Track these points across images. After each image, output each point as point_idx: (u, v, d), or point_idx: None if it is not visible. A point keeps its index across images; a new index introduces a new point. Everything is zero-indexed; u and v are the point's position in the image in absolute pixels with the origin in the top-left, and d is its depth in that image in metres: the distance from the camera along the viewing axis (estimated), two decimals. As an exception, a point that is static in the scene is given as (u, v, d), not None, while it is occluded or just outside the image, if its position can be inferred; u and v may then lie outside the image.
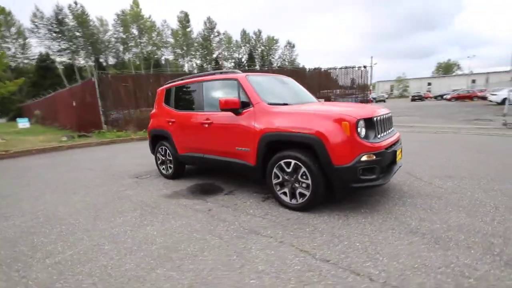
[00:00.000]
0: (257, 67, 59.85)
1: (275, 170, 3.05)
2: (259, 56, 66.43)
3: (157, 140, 4.79)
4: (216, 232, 2.60)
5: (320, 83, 13.92)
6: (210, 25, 58.72)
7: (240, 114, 3.33)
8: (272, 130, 2.99)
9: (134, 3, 48.84)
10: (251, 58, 62.95)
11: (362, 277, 1.82)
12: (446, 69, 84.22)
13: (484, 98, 26.79)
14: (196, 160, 4.11)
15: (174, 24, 58.48)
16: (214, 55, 60.57)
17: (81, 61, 48.20)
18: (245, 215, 2.95)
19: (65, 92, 16.13)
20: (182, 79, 4.54)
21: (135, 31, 49.29)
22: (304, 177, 2.82)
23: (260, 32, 65.59)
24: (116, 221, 2.99)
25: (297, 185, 2.91)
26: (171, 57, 56.46)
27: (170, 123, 4.35)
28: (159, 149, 4.68)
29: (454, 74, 73.53)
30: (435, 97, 41.32)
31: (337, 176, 2.64)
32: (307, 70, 14.07)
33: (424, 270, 1.86)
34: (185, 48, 56.33)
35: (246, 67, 57.63)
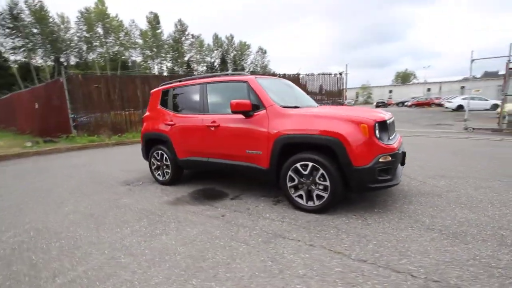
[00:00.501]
0: (230, 70, 59.95)
1: (290, 173, 3.04)
2: (231, 60, 66.46)
3: (151, 144, 4.54)
4: (239, 238, 2.52)
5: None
6: (181, 27, 57.59)
7: (251, 116, 3.28)
8: (288, 133, 2.98)
9: (99, 1, 46.25)
10: (223, 62, 62.78)
11: (403, 275, 1.87)
12: (404, 78, 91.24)
13: (440, 105, 29.51)
14: (199, 165, 3.95)
15: (143, 25, 56.43)
16: (186, 58, 59.40)
17: (38, 60, 44.25)
18: (263, 219, 2.89)
19: (25, 94, 14.67)
20: (180, 81, 4.37)
21: (100, 30, 46.56)
22: (322, 179, 2.85)
23: (232, 36, 65.74)
24: (124, 231, 2.76)
25: (313, 187, 2.93)
26: (139, 59, 54.20)
27: (169, 127, 4.15)
28: (154, 154, 4.43)
29: (411, 82, 79.89)
30: (397, 104, 44.50)
31: (356, 177, 2.71)
32: (279, 76, 14.24)
33: (456, 264, 1.96)
34: (155, 49, 54.47)
35: (219, 71, 57.37)
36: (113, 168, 5.87)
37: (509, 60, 9.95)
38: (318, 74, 14.13)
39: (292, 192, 3.08)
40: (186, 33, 57.86)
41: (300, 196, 3.03)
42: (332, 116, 2.88)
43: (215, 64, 64.14)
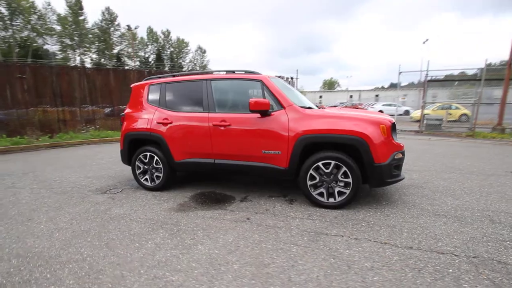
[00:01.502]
0: (166, 68, 56.48)
1: (311, 171, 3.12)
2: (168, 57, 62.97)
3: (136, 145, 4.00)
4: (283, 239, 2.46)
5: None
6: (109, 17, 51.68)
7: (268, 116, 3.23)
8: (312, 132, 3.05)
9: (0, -28, 37.80)
10: (159, 58, 58.99)
11: (448, 255, 2.15)
12: (330, 85, 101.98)
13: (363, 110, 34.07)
14: (202, 167, 3.67)
15: (62, 9, 48.53)
16: (115, 51, 53.61)
17: None
18: (292, 219, 2.89)
19: None
20: (174, 75, 3.99)
21: (3, 10, 38.10)
22: (343, 176, 3.02)
23: (169, 32, 62.32)
24: (146, 246, 2.38)
25: (334, 184, 3.07)
26: (56, 47, 46.39)
27: (163, 126, 3.74)
28: (141, 157, 3.92)
29: (336, 90, 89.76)
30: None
31: (377, 173, 2.96)
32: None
33: (477, 241, 2.35)
34: (76, 38, 47.47)
35: (154, 68, 53.54)
36: (73, 175, 4.93)
37: (427, 74, 12.18)
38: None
39: (312, 190, 3.16)
40: (116, 23, 52.25)
41: (321, 194, 3.13)
42: (353, 117, 3.07)
43: (150, 59, 59.80)
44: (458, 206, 3.17)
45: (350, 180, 2.99)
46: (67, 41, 46.62)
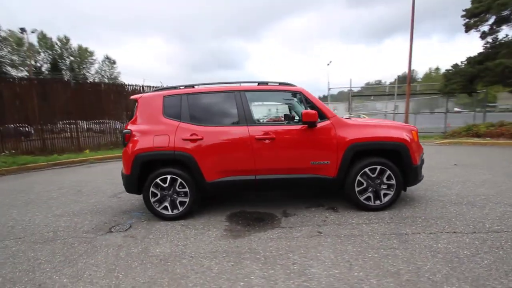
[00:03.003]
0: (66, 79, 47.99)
1: (358, 177, 3.28)
2: (67, 67, 53.90)
3: (150, 168, 3.32)
4: (377, 246, 2.49)
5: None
6: (-20, 14, 40.82)
7: (315, 126, 3.26)
8: (362, 140, 3.24)
9: None
10: (55, 68, 49.83)
11: (502, 232, 2.63)
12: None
13: None
14: (239, 185, 3.33)
15: None
16: (-10, 57, 42.42)
17: None
18: (360, 225, 2.95)
19: None
20: (192, 86, 3.54)
21: None
22: (387, 179, 3.30)
23: (67, 39, 53.66)
24: (255, 282, 2.02)
25: (379, 187, 3.32)
26: None
27: (192, 142, 3.24)
28: (158, 181, 3.27)
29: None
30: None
31: (414, 174, 3.35)
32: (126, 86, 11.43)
33: (491, 220, 2.93)
34: None
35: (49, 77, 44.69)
36: (35, 217, 3.66)
37: (350, 89, 14.42)
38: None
39: (359, 195, 3.31)
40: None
41: (367, 198, 3.32)
42: (391, 125, 3.42)
43: (43, 69, 49.82)
44: (458, 194, 3.88)
45: (393, 182, 3.29)
46: None
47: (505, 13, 11.59)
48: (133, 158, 3.27)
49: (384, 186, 3.32)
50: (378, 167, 3.26)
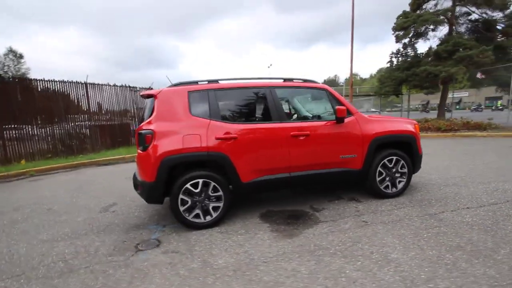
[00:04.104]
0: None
1: (379, 168, 3.57)
2: (-49, 60, 42.54)
3: (177, 172, 2.94)
4: (422, 227, 2.77)
5: (69, 104, 9.74)
6: None
7: (343, 122, 3.41)
8: (383, 134, 3.52)
9: None
10: None
11: (497, 204, 3.23)
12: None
13: None
14: (275, 184, 3.24)
15: None
16: None
17: None
18: (391, 211, 3.20)
19: None
20: (215, 81, 3.27)
21: None
22: (400, 168, 3.68)
23: (-50, 24, 42.40)
24: (351, 276, 2.02)
25: (395, 176, 3.67)
26: None
27: (226, 142, 3.00)
28: (188, 186, 2.92)
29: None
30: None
31: (419, 162, 3.82)
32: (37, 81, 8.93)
33: (483, 196, 3.62)
34: None
35: None
36: (20, 243, 2.83)
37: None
38: (114, 85, 12.54)
39: (380, 185, 3.61)
40: None
41: (386, 187, 3.64)
42: (401, 120, 3.82)
43: None
44: (440, 178, 4.58)
45: (406, 170, 3.69)
46: None
47: (422, 29, 14.11)
48: (159, 162, 2.85)
49: (398, 175, 3.69)
50: (395, 158, 3.61)
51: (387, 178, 3.63)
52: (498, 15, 11.89)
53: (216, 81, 3.29)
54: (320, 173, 3.39)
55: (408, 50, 15.33)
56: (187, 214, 2.97)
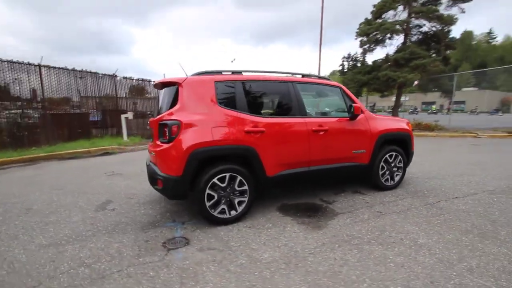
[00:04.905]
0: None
1: (382, 163, 3.88)
2: None
3: (205, 166, 2.80)
4: (433, 213, 3.10)
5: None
6: None
7: (355, 119, 3.61)
8: (388, 131, 3.82)
9: None
10: None
11: (483, 193, 3.78)
12: (138, 91, 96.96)
13: None
14: (295, 178, 3.28)
15: None
16: None
17: None
18: (396, 201, 3.51)
19: None
20: (239, 72, 3.17)
21: None
22: (398, 162, 4.04)
23: None
24: (396, 261, 2.19)
25: (393, 170, 4.02)
26: None
27: (254, 135, 2.94)
28: (215, 181, 2.81)
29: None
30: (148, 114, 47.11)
31: (411, 158, 4.24)
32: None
33: (463, 187, 4.20)
34: None
35: None
36: (17, 248, 2.38)
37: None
38: (137, 79, 12.21)
39: (382, 178, 3.92)
40: None
41: (386, 180, 3.97)
42: (398, 119, 4.17)
43: None
44: (420, 172, 5.13)
45: (402, 165, 4.06)
46: None
47: (381, 36, 15.43)
48: (188, 155, 2.67)
49: (395, 169, 4.04)
50: (394, 153, 3.95)
51: (387, 172, 3.95)
52: (445, 29, 13.60)
53: (240, 72, 3.19)
54: (335, 167, 3.55)
55: (362, 56, 16.72)
56: (212, 210, 2.85)
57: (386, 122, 3.96)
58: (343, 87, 3.74)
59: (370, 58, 16.60)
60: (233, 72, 3.16)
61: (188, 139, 2.70)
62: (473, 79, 44.47)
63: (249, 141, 2.94)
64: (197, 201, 2.80)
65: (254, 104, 3.14)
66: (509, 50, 53.54)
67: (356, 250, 2.38)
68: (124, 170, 5.69)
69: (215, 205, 2.87)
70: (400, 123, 4.15)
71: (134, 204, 3.63)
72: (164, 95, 3.21)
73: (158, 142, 2.88)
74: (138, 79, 12.35)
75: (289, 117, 3.26)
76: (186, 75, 3.13)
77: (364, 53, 16.59)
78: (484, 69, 35.74)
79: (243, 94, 3.04)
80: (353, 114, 3.46)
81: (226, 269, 2.12)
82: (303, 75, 3.59)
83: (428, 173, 5.01)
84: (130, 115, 11.05)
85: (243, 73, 3.22)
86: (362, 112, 3.72)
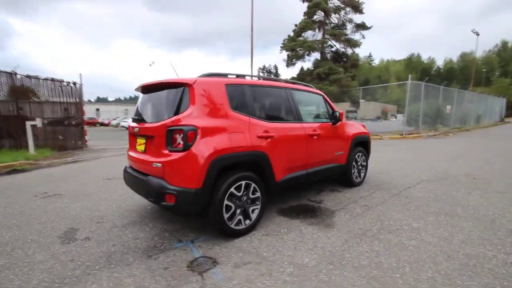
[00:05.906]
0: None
1: (354, 163, 4.39)
2: None
3: (223, 174, 2.57)
4: (414, 201, 3.69)
5: None
6: None
7: (336, 124, 3.98)
8: (359, 134, 4.35)
9: None
10: None
11: (430, 182, 4.73)
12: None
13: (103, 124, 32.21)
14: (297, 181, 3.35)
15: None
16: None
17: None
18: (372, 195, 4.02)
19: None
20: (242, 76, 3.06)
21: None
22: (363, 161, 4.65)
23: None
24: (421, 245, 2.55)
25: (360, 168, 4.59)
26: None
27: (265, 140, 2.88)
28: (232, 190, 2.62)
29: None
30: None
31: (368, 157, 4.94)
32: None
33: (419, 176, 5.19)
34: None
35: None
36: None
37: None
38: (46, 79, 9.91)
39: (353, 173, 4.42)
40: None
41: (356, 177, 4.50)
42: (359, 124, 4.77)
43: None
44: (375, 167, 5.97)
45: (366, 163, 4.70)
46: None
47: (301, 52, 17.36)
48: (209, 163, 2.41)
49: (361, 167, 4.64)
50: (361, 154, 4.53)
51: (356, 170, 4.50)
52: (353, 50, 16.44)
53: (243, 76, 3.09)
54: (324, 169, 3.81)
55: (288, 66, 18.51)
56: (229, 222, 2.64)
57: (355, 127, 4.52)
58: (324, 94, 4.08)
59: (291, 72, 18.24)
60: (237, 76, 3.04)
61: (208, 146, 2.44)
62: (362, 92, 55.23)
63: (262, 146, 2.87)
64: (214, 214, 2.54)
65: (261, 109, 3.09)
66: (383, 71, 68.71)
67: (377, 241, 2.63)
68: (61, 190, 4.56)
69: (231, 217, 2.67)
70: (362, 127, 4.79)
71: (111, 228, 2.98)
72: (157, 98, 2.81)
73: (165, 151, 2.48)
74: (46, 79, 10.05)
75: (290, 122, 3.34)
76: (178, 76, 2.85)
77: (287, 65, 18.28)
78: (368, 86, 44.88)
79: (252, 99, 2.95)
80: (336, 119, 3.82)
81: (282, 280, 2.01)
82: (294, 83, 3.76)
83: (374, 169, 5.90)
84: (38, 122, 8.90)
85: (246, 77, 3.13)
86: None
